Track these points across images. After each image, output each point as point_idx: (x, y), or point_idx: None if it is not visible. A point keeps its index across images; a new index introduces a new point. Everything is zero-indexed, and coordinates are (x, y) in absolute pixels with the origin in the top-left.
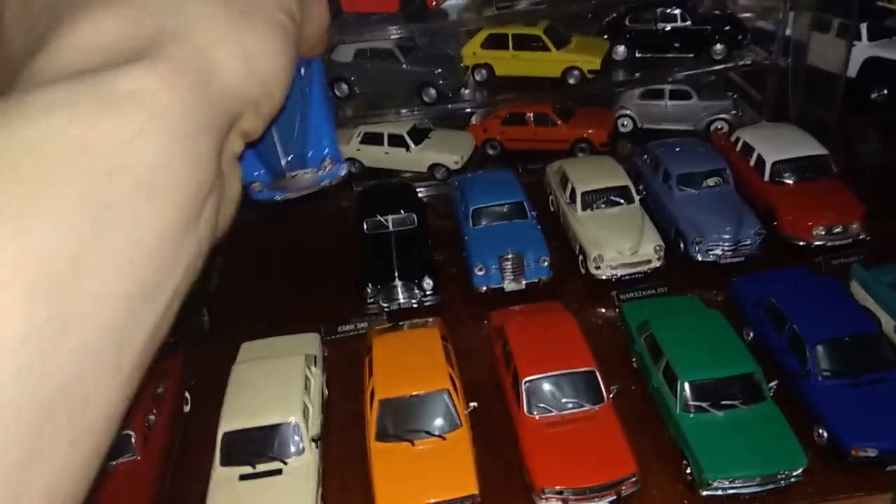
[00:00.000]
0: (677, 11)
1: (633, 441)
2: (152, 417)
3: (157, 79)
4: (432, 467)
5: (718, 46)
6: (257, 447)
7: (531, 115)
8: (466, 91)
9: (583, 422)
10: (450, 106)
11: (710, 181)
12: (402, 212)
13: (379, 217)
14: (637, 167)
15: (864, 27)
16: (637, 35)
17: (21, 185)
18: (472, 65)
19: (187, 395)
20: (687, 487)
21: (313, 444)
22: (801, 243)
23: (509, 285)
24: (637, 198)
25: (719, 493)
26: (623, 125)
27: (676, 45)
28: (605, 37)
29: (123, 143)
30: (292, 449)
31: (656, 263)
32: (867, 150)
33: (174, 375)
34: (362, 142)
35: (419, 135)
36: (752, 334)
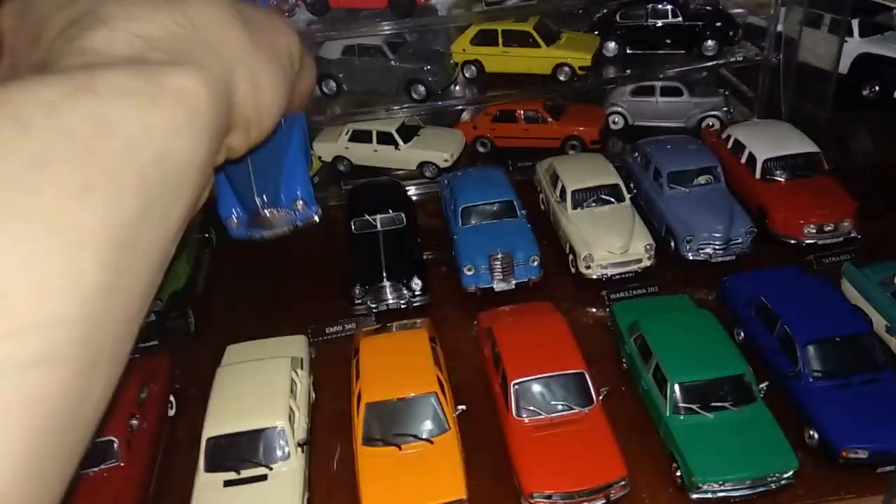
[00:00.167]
0: (668, 7)
1: (623, 443)
2: (135, 422)
3: (197, 83)
4: (420, 472)
5: (709, 43)
6: (242, 452)
7: (521, 112)
8: (457, 88)
9: (572, 424)
10: (440, 103)
11: (701, 179)
12: (391, 211)
13: (367, 216)
14: (628, 165)
15: (855, 23)
16: (628, 31)
17: (93, 165)
18: (461, 61)
19: (172, 398)
20: (677, 490)
21: (299, 449)
22: (793, 241)
23: (499, 285)
24: (627, 196)
25: (709, 496)
26: (614, 122)
27: (667, 41)
28: (596, 33)
29: (170, 136)
30: (278, 454)
31: (647, 262)
32: (859, 146)
33: (159, 379)
34: (351, 139)
35: (408, 132)
36: (742, 334)
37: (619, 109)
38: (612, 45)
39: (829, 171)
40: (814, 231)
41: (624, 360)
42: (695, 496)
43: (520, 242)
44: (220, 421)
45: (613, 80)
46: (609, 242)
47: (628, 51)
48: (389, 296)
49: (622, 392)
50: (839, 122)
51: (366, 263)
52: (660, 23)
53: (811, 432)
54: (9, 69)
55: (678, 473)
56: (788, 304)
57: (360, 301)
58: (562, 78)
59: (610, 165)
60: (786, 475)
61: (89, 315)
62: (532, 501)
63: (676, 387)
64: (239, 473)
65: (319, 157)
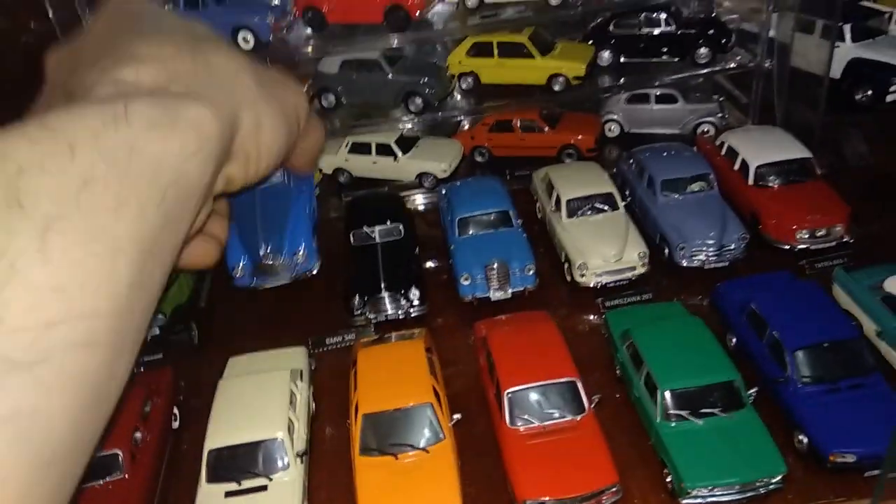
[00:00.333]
0: (661, 16)
1: (616, 450)
2: (140, 435)
3: (209, 114)
4: (416, 481)
5: (703, 50)
6: (242, 464)
7: (518, 121)
8: (458, 97)
9: (565, 432)
10: (439, 114)
11: (695, 186)
12: (389, 222)
13: (365, 228)
14: (623, 173)
15: (847, 28)
16: (622, 40)
17: (125, 185)
18: (457, 73)
19: (176, 410)
20: (669, 496)
21: (298, 460)
22: (786, 247)
23: (495, 294)
24: (622, 204)
25: (699, 501)
26: (610, 130)
27: (661, 49)
28: (591, 42)
29: (185, 160)
30: (277, 465)
31: (641, 270)
32: (852, 151)
33: (163, 392)
34: (350, 151)
35: (407, 143)
36: (734, 340)
37: (615, 117)
38: (606, 54)
39: (823, 175)
40: (806, 236)
41: (617, 367)
42: (685, 502)
43: (515, 252)
44: (220, 433)
45: (608, 90)
46: (603, 251)
47: (622, 60)
48: (388, 306)
49: (616, 399)
50: (833, 126)
51: (364, 274)
52: (653, 31)
53: (800, 437)
54: (47, 94)
55: (669, 479)
56: (778, 310)
57: (359, 312)
58: (557, 88)
59: (604, 174)
60: (774, 480)
61: (122, 308)
62: None
63: (666, 394)
64: (240, 484)
65: (320, 170)
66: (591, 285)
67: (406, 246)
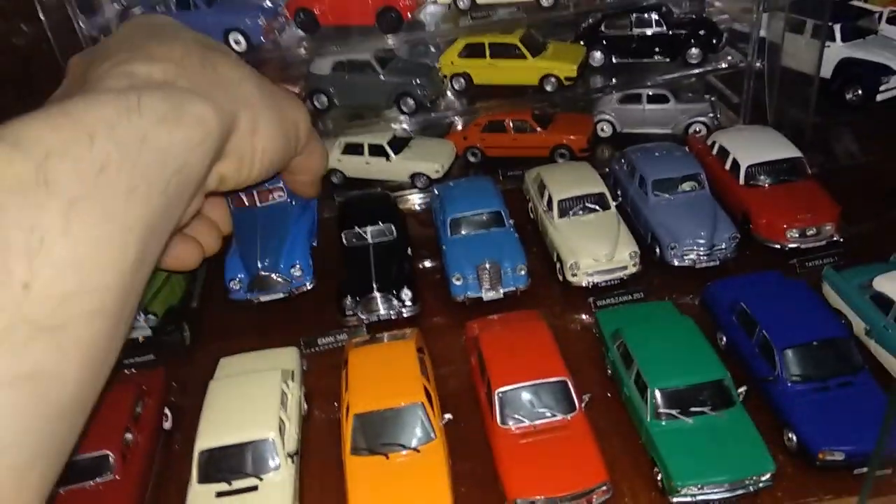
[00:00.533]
0: (652, 17)
1: (606, 448)
2: (130, 436)
3: (212, 111)
4: (407, 480)
5: (694, 51)
6: (233, 464)
7: (510, 122)
8: (452, 97)
9: (555, 431)
10: (433, 115)
11: (686, 186)
12: (381, 223)
13: (357, 229)
14: (615, 172)
15: (837, 28)
16: (613, 41)
17: (136, 171)
18: (450, 74)
19: (168, 411)
20: (659, 494)
21: (289, 460)
22: (777, 246)
23: (487, 294)
24: (613, 204)
25: (689, 499)
26: (602, 130)
27: (652, 50)
28: (582, 43)
29: (189, 150)
30: (269, 465)
31: (632, 269)
32: (843, 150)
33: (154, 393)
34: (343, 152)
35: (399, 144)
36: (724, 339)
37: (607, 117)
38: (598, 54)
39: (814, 174)
40: (797, 235)
41: (608, 366)
42: (675, 500)
43: (507, 252)
44: (211, 434)
45: (600, 90)
46: (594, 250)
47: (614, 60)
48: (380, 307)
49: (607, 398)
50: (823, 125)
51: (356, 275)
52: (644, 32)
53: (790, 435)
54: (67, 85)
55: (659, 477)
56: (767, 310)
57: (351, 312)
58: (548, 88)
59: (596, 174)
60: (763, 478)
61: (126, 283)
62: None
63: (657, 392)
64: (230, 485)
65: None
66: (583, 285)
67: (398, 246)
